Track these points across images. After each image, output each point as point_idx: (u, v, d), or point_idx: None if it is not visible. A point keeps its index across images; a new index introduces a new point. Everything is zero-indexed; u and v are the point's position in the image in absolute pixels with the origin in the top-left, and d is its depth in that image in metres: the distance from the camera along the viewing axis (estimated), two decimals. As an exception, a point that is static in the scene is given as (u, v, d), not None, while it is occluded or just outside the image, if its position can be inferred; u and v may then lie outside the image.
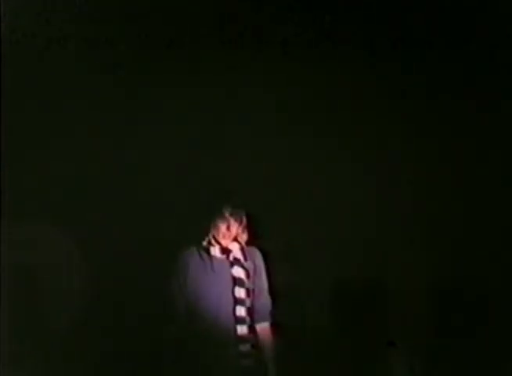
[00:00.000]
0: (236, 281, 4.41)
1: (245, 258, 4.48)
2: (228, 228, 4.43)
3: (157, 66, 5.17)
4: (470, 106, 5.16)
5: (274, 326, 4.47)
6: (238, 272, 4.44)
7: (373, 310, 5.12)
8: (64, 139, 5.11)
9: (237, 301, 4.37)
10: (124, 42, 5.11)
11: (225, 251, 4.46)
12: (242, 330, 4.35)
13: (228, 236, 4.45)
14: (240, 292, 4.39)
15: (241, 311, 4.36)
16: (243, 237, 4.51)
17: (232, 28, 5.15)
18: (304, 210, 5.26)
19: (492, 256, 5.04)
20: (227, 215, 4.43)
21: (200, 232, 4.51)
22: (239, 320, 4.35)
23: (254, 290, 4.45)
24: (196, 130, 5.22)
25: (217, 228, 4.44)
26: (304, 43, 5.18)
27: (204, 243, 4.49)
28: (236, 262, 4.46)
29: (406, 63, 5.20)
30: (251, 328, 4.39)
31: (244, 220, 4.48)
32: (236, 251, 4.48)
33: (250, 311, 4.41)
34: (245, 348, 4.34)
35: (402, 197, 5.18)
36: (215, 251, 4.46)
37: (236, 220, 4.44)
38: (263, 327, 4.42)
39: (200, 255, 4.45)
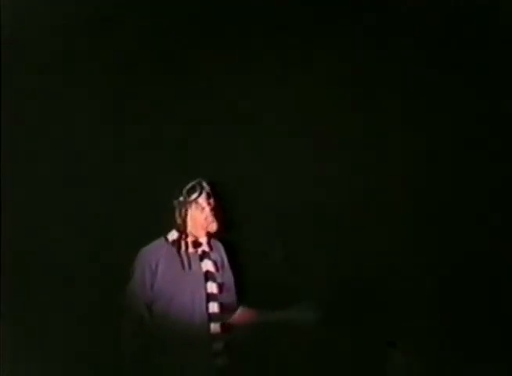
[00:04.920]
0: (208, 275, 4.28)
1: (211, 250, 4.35)
2: (206, 218, 4.30)
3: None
4: (467, 106, 5.16)
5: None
6: (207, 265, 4.30)
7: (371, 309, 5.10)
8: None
9: (210, 298, 4.25)
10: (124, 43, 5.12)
11: (197, 244, 4.32)
12: (215, 327, 4.23)
13: (201, 227, 4.31)
14: (212, 287, 4.27)
15: (214, 307, 4.24)
16: (213, 227, 4.34)
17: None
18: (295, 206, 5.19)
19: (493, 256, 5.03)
20: (203, 204, 4.31)
21: (167, 223, 4.37)
22: (213, 317, 4.23)
23: (223, 284, 4.33)
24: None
25: (194, 219, 4.31)
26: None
27: (175, 236, 4.33)
28: (205, 255, 4.32)
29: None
30: (224, 325, 4.27)
31: (216, 207, 4.33)
32: (204, 243, 4.34)
33: (222, 307, 4.28)
34: (218, 346, 4.22)
35: (400, 196, 5.19)
36: (187, 243, 4.31)
37: (209, 205, 4.30)
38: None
39: (171, 250, 4.30)
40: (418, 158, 5.13)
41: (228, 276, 4.38)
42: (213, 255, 4.35)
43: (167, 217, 4.37)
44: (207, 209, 4.29)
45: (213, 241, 4.38)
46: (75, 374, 4.54)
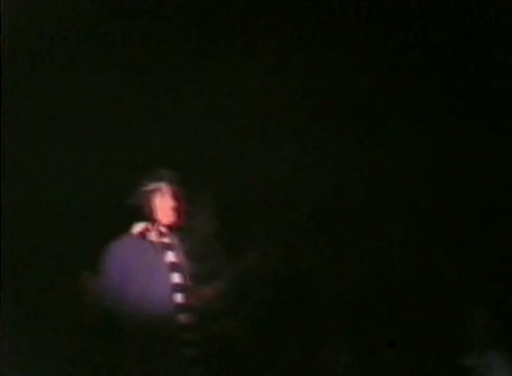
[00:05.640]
0: (173, 266, 4.23)
1: (174, 241, 4.32)
2: (169, 204, 4.26)
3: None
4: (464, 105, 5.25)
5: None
6: (172, 256, 4.25)
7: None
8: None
9: (175, 288, 4.20)
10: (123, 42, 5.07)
11: (161, 234, 4.27)
12: (183, 318, 4.16)
13: (166, 214, 4.26)
14: (177, 278, 4.21)
15: (180, 298, 4.18)
16: (175, 216, 4.30)
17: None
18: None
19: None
20: (165, 191, 4.26)
21: (133, 215, 4.30)
22: (179, 308, 4.17)
23: (186, 275, 4.28)
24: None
25: (158, 207, 4.25)
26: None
27: (141, 227, 4.28)
28: (169, 246, 4.27)
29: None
30: (192, 315, 4.20)
31: (179, 197, 4.29)
32: (167, 234, 4.30)
33: (188, 297, 4.22)
34: (188, 337, 4.15)
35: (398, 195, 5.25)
36: (152, 235, 4.26)
37: (175, 194, 4.26)
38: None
39: (137, 242, 4.24)
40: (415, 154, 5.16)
41: (188, 268, 4.34)
42: (176, 247, 4.32)
43: (133, 210, 4.30)
44: (169, 196, 4.27)
45: (175, 235, 4.34)
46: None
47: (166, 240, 4.28)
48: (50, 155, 4.83)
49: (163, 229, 4.28)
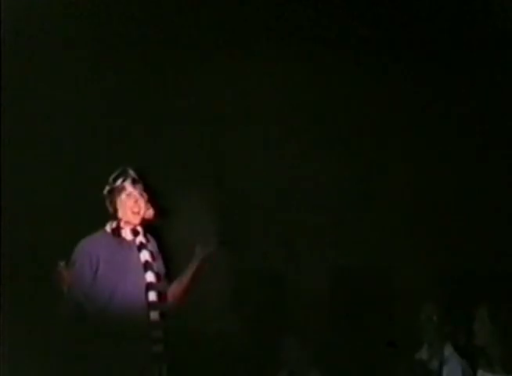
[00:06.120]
0: (146, 265, 4.30)
1: (147, 240, 4.38)
2: (136, 202, 4.29)
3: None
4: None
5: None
6: (145, 255, 4.32)
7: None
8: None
9: (149, 287, 4.27)
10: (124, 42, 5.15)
11: (135, 232, 4.33)
12: (154, 315, 4.24)
13: (137, 213, 4.30)
14: (151, 276, 4.28)
15: (153, 296, 4.26)
16: (149, 214, 4.35)
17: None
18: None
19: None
20: (130, 189, 4.29)
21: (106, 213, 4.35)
22: (152, 306, 4.25)
23: (159, 274, 4.35)
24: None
25: (124, 205, 4.29)
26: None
27: (113, 225, 4.32)
28: (142, 245, 4.34)
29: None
30: (163, 314, 4.29)
31: (145, 194, 4.33)
32: (141, 233, 4.35)
33: (161, 296, 4.30)
34: (157, 334, 4.23)
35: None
36: (126, 233, 4.32)
37: (141, 194, 4.30)
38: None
39: (111, 240, 4.30)
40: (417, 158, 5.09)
41: (162, 267, 4.42)
42: (149, 246, 4.38)
43: (105, 208, 4.37)
44: (135, 194, 4.30)
45: (147, 234, 4.40)
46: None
47: (139, 238, 4.34)
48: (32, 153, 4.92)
49: (137, 227, 4.34)
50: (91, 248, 4.26)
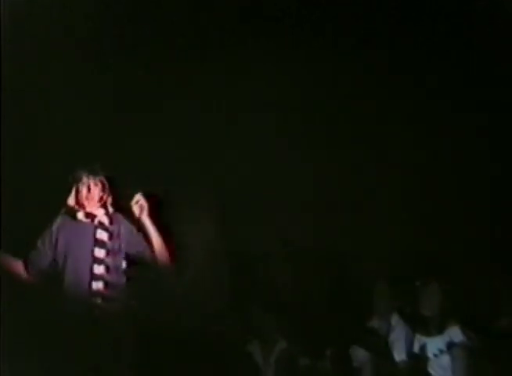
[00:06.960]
0: (98, 242, 4.88)
1: (110, 222, 4.95)
2: (89, 191, 4.92)
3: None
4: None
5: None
6: (101, 234, 4.90)
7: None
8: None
9: (96, 260, 4.84)
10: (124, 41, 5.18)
11: (89, 215, 4.96)
12: (97, 285, 4.83)
13: (92, 199, 4.93)
14: (100, 252, 4.86)
15: (99, 269, 4.84)
16: (109, 200, 4.96)
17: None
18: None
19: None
20: (85, 179, 4.91)
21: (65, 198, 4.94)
22: (96, 277, 4.83)
23: (112, 250, 4.90)
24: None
25: (79, 193, 4.93)
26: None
27: (74, 210, 4.95)
28: (100, 225, 4.93)
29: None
30: (108, 284, 4.84)
31: (106, 184, 4.95)
32: (100, 215, 4.95)
33: (109, 269, 4.86)
34: (97, 300, 4.81)
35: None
36: (81, 215, 4.96)
37: (95, 184, 4.92)
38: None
39: (69, 220, 4.96)
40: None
41: (118, 244, 4.96)
42: (110, 227, 4.97)
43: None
44: (91, 184, 4.93)
45: (115, 214, 5.01)
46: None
47: (98, 220, 4.95)
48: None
49: (94, 211, 4.94)
50: (51, 229, 4.99)
